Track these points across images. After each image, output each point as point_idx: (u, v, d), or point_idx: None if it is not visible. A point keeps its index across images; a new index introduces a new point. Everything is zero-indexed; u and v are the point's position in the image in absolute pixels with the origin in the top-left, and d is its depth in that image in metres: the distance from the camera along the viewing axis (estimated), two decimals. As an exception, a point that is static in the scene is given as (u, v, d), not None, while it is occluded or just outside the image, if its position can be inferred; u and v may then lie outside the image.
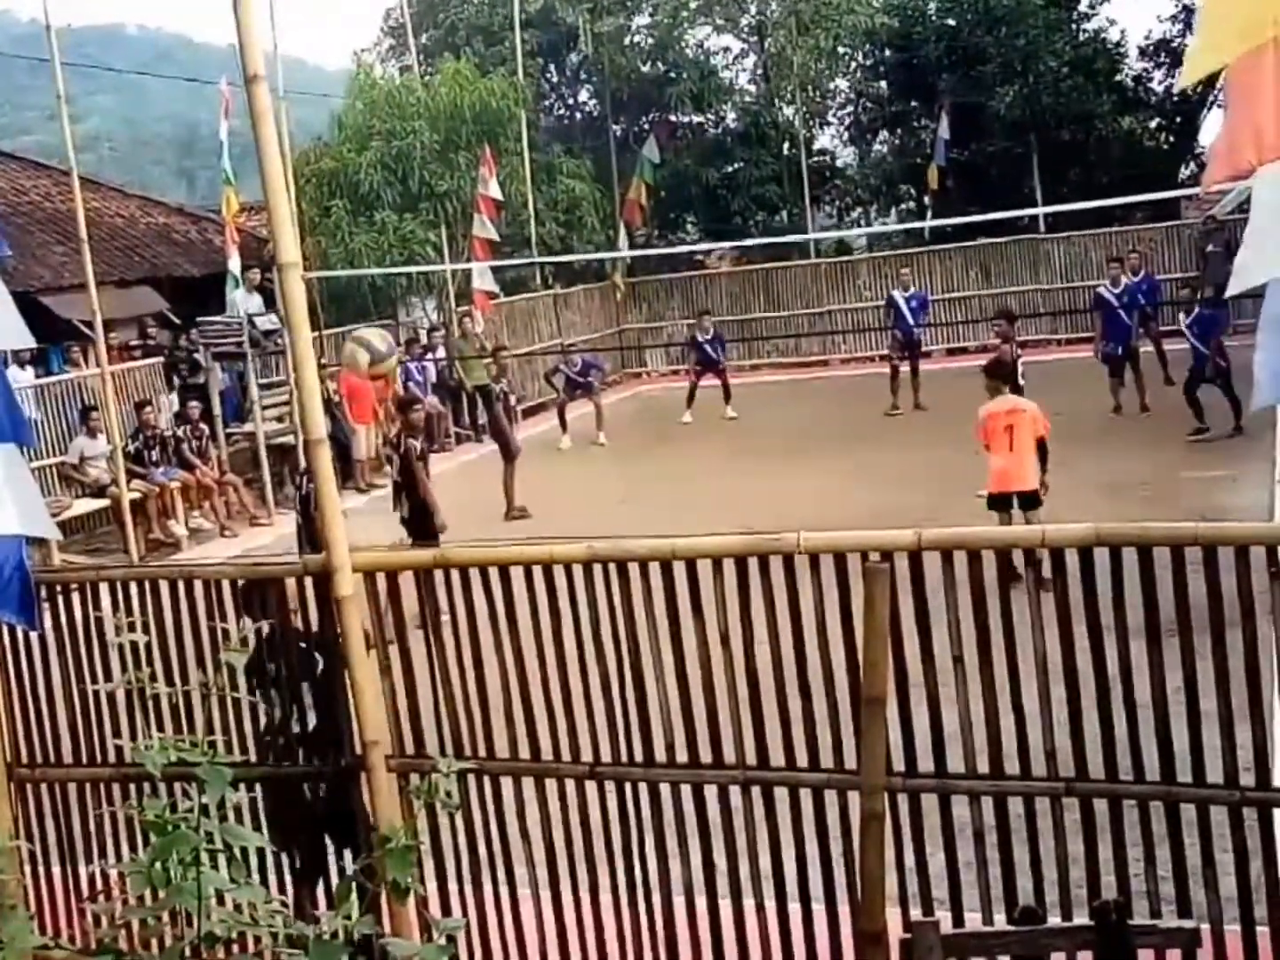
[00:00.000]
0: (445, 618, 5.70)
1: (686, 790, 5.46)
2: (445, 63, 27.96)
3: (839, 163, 35.77)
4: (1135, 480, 14.89)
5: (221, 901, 3.19)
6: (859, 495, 15.26)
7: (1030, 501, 11.87)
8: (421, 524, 12.76)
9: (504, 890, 5.74)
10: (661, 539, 5.50)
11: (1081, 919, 4.27)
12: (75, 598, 6.23)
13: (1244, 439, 16.23)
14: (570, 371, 22.33)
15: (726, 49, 34.82)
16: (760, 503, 14.76)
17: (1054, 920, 4.55)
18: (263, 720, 5.88)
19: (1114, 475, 15.13)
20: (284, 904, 4.13)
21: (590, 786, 5.58)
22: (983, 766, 5.08)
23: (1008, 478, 11.96)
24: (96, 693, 6.08)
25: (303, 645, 5.94)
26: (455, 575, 5.66)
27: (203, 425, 18.74)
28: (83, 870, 6.20)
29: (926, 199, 31.17)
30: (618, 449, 21.18)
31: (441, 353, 24.15)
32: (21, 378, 17.28)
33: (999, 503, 12.00)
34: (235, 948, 3.45)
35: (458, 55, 28.35)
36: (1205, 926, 4.56)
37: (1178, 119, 31.87)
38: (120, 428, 16.49)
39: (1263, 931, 4.74)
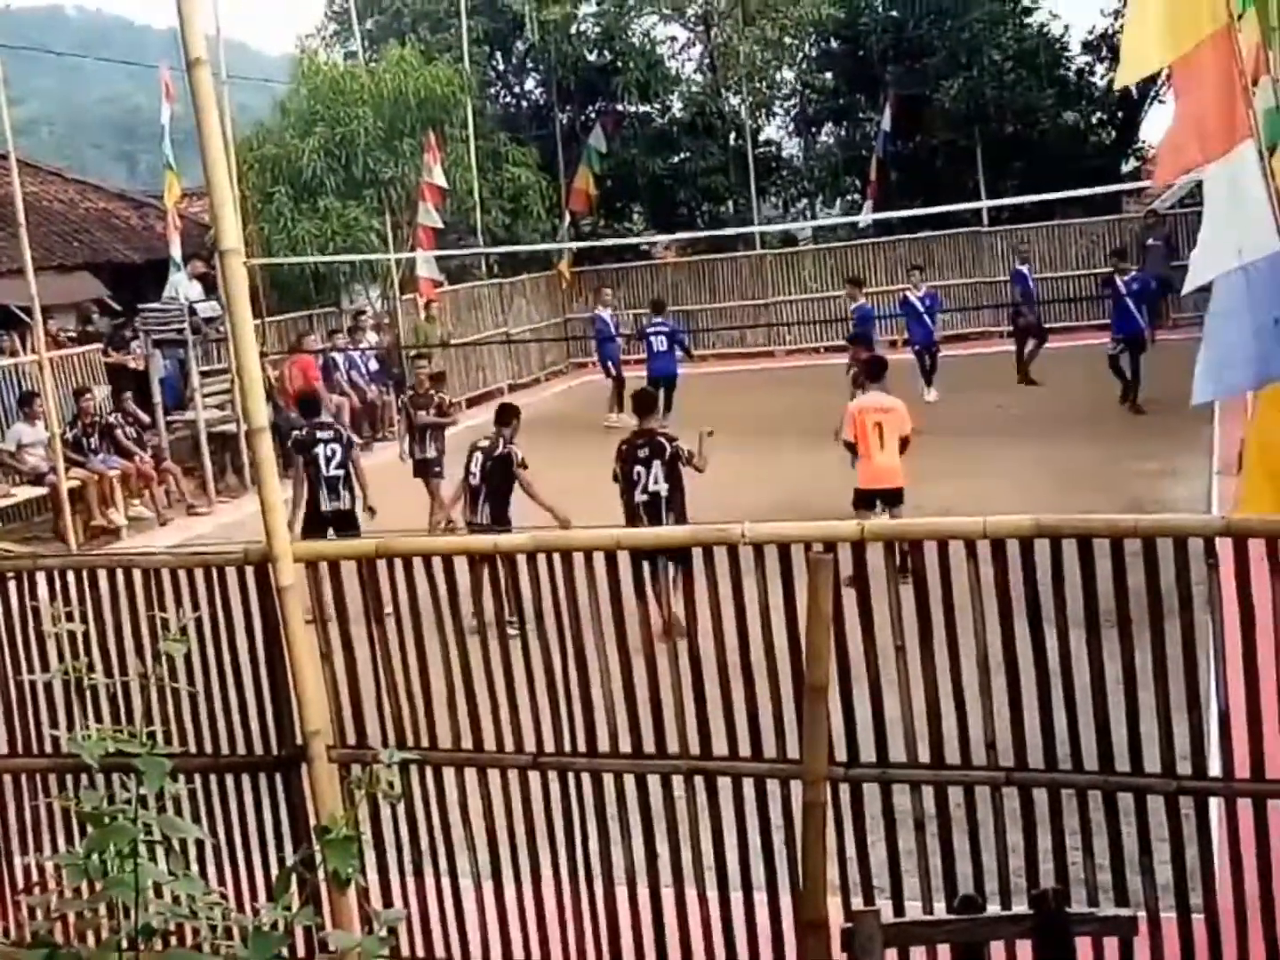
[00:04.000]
0: (389, 611, 5.67)
1: (630, 780, 5.47)
2: (390, 49, 27.75)
3: (785, 154, 35.81)
4: (1077, 471, 15.03)
5: (159, 894, 3.16)
6: (804, 485, 15.31)
7: (895, 498, 11.92)
8: None
9: (446, 880, 5.73)
10: (605, 529, 5.50)
11: (1021, 907, 4.31)
12: (12, 587, 6.15)
13: (1185, 432, 16.41)
14: None
15: (673, 38, 34.83)
16: (705, 493, 14.77)
17: (993, 909, 4.58)
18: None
19: (1056, 466, 15.26)
20: (223, 895, 4.09)
21: (533, 776, 5.57)
22: (924, 756, 5.11)
23: (879, 475, 11.96)
24: (32, 683, 6.00)
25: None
26: (399, 565, 5.63)
27: (141, 412, 18.54)
28: (18, 862, 6.13)
29: (869, 191, 31.26)
30: (563, 439, 21.12)
31: (374, 339, 24.01)
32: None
33: (865, 500, 11.97)
34: (174, 940, 3.42)
35: (403, 41, 28.11)
36: (1142, 914, 4.62)
37: (1119, 113, 32.16)
38: (58, 415, 16.29)
39: (1198, 919, 4.80)
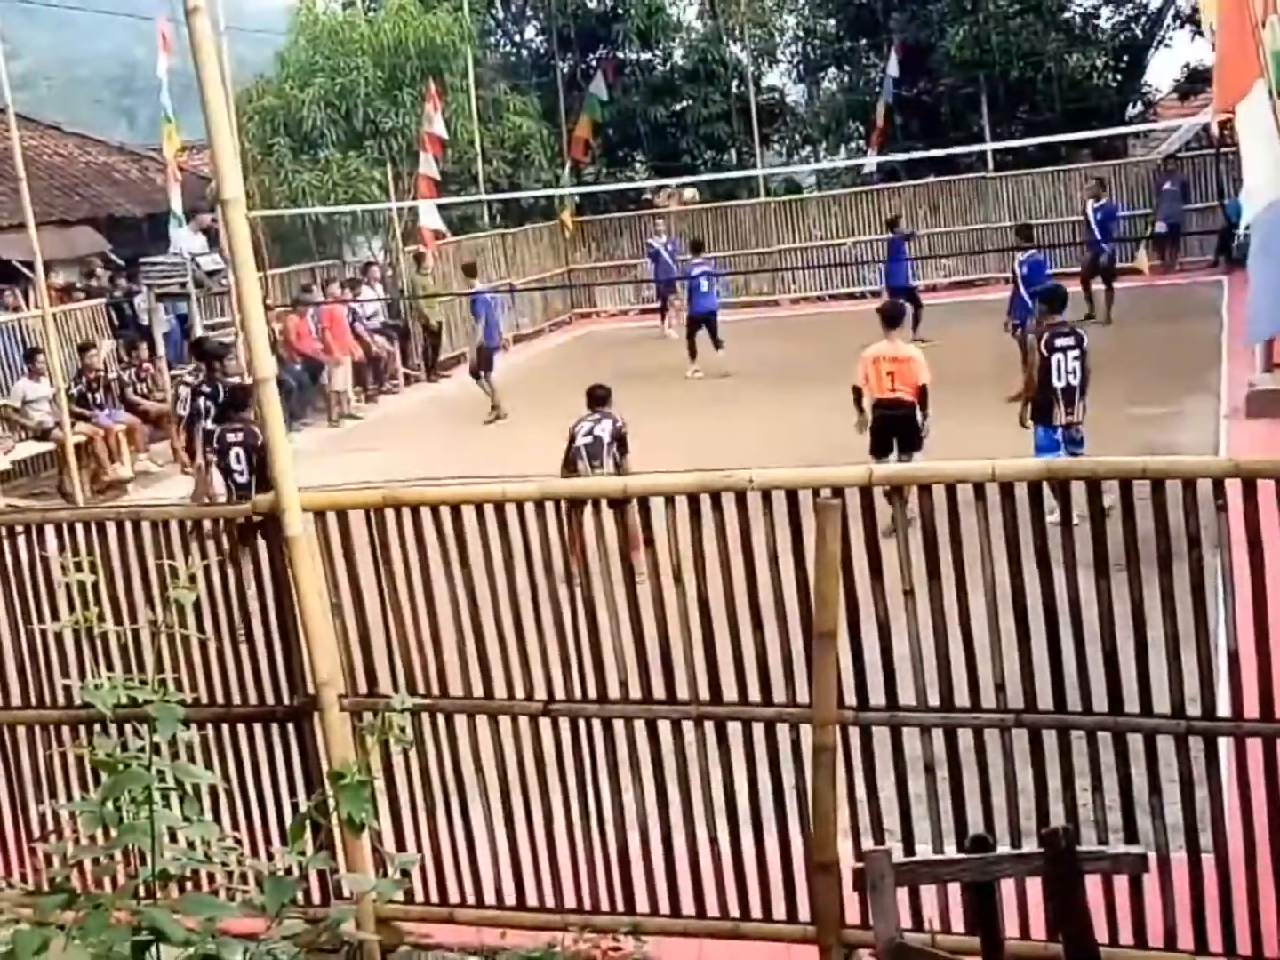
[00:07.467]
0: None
1: (640, 725, 5.49)
2: (389, -3, 27.52)
3: (788, 100, 35.51)
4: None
5: (175, 839, 3.17)
6: (815, 430, 15.28)
7: (910, 445, 11.89)
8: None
9: (459, 825, 5.76)
10: (614, 477, 5.49)
11: (1031, 847, 4.32)
12: (21, 541, 6.15)
13: (1193, 376, 16.36)
14: None
15: (672, -17, 34.46)
16: (713, 440, 14.78)
17: (1003, 849, 4.60)
18: None
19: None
20: (237, 841, 4.12)
21: (544, 723, 5.60)
22: (933, 699, 5.13)
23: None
24: (44, 637, 6.02)
25: None
26: (406, 514, 5.63)
27: (147, 365, 18.53)
28: (33, 811, 6.17)
29: (873, 137, 31.03)
30: (573, 388, 21.06)
31: (381, 291, 23.89)
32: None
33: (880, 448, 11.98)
34: (190, 885, 3.44)
35: (402, -10, 27.88)
36: (1152, 854, 4.64)
37: (1125, 58, 31.81)
38: (62, 370, 16.26)
39: (1208, 858, 4.82)
